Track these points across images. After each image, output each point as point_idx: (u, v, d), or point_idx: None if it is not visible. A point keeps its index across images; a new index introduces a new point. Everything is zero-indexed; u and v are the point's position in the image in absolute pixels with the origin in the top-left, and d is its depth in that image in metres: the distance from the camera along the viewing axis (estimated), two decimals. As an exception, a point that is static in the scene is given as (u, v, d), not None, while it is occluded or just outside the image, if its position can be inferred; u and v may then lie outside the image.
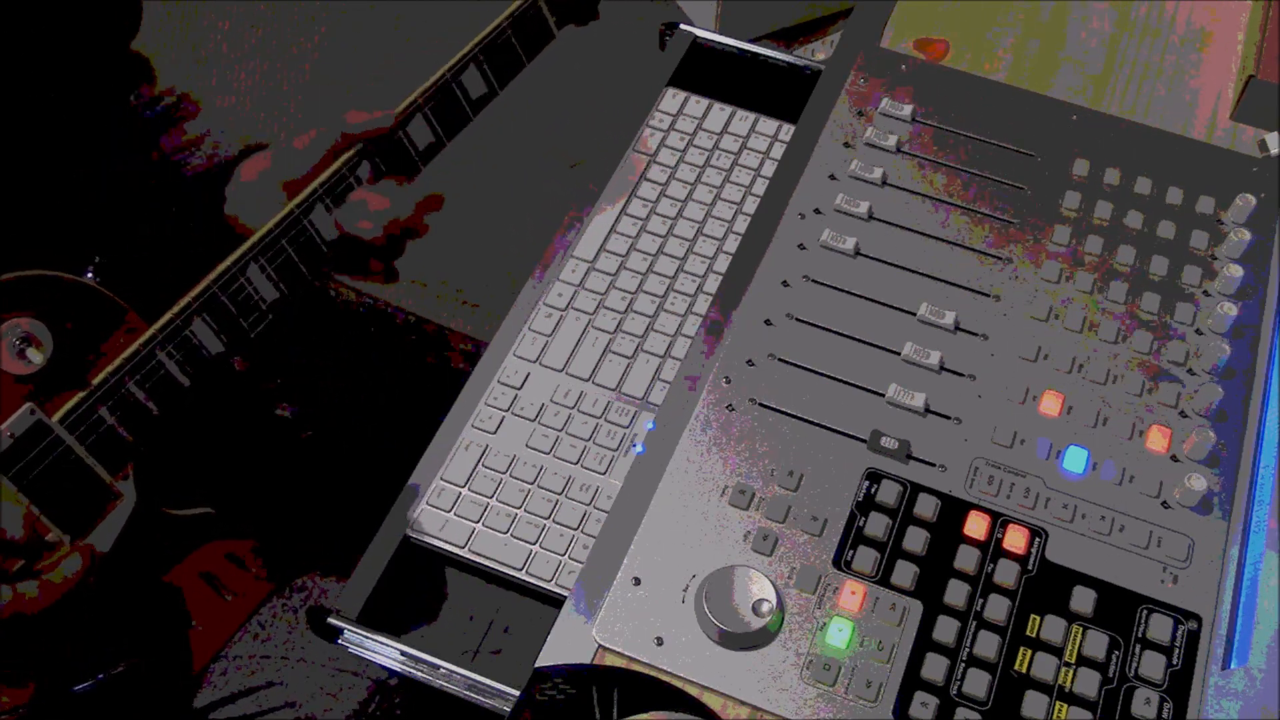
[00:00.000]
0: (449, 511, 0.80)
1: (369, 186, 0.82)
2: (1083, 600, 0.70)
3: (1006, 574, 0.71)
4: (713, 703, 0.67)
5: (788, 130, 0.99)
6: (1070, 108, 0.92)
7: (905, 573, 0.70)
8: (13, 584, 0.66)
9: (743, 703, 0.67)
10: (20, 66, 0.80)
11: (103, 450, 0.71)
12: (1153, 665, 0.68)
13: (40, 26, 0.82)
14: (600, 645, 0.69)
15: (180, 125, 0.87)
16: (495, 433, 0.84)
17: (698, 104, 1.01)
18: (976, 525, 0.72)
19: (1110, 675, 0.68)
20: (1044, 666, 0.68)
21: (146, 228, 0.89)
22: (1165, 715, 0.67)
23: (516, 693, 0.73)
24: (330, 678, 0.86)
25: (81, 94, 0.86)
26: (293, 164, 0.82)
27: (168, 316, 0.73)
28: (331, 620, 0.77)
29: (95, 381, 0.70)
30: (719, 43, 1.06)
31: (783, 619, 0.69)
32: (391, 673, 0.82)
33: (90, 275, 0.77)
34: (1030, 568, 0.71)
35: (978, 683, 0.67)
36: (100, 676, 0.78)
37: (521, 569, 0.79)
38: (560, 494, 0.81)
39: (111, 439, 0.71)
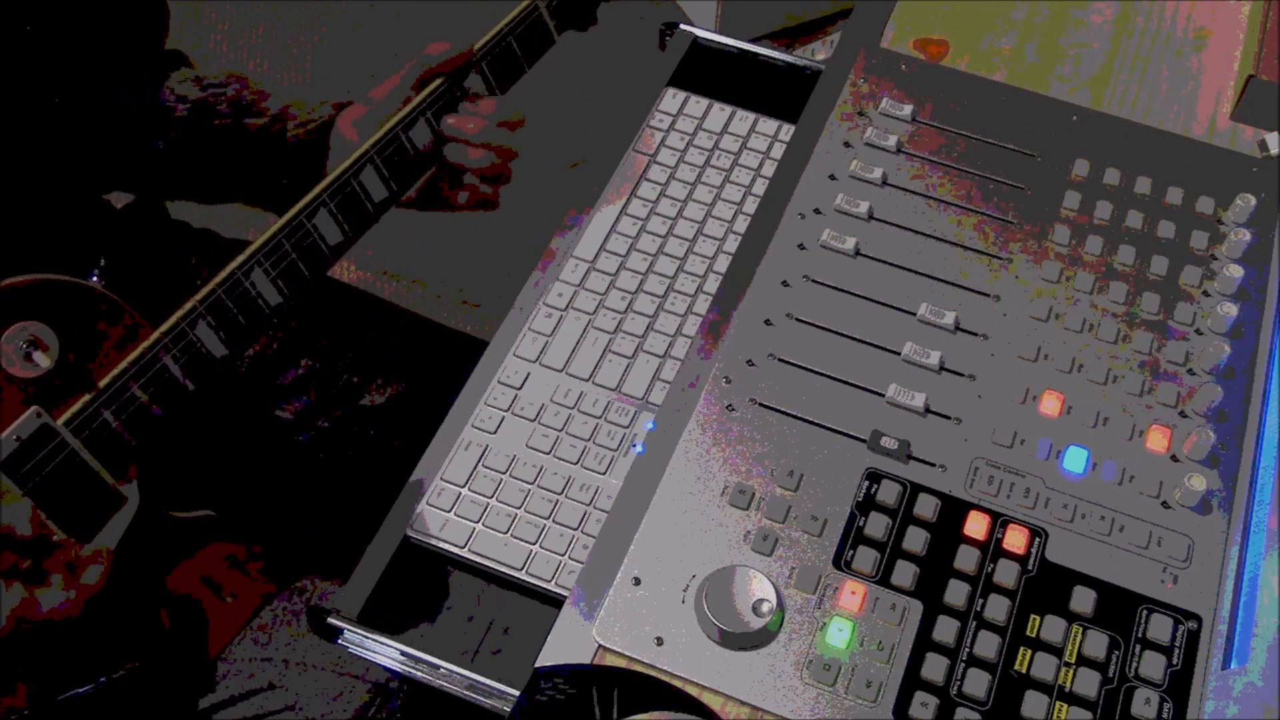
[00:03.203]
0: (449, 511, 0.80)
1: (467, 106, 0.88)
2: (1083, 600, 0.70)
3: (1006, 574, 0.71)
4: (713, 702, 0.67)
5: (788, 130, 0.99)
6: (1070, 108, 0.92)
7: (905, 573, 0.70)
8: (30, 586, 0.66)
9: (743, 703, 0.67)
10: (29, 66, 0.81)
11: (107, 453, 0.71)
12: (1153, 665, 0.68)
13: (58, 24, 0.82)
14: (600, 645, 0.69)
15: (255, 104, 0.89)
16: (495, 433, 0.84)
17: (698, 104, 1.01)
18: (976, 525, 0.72)
19: (1110, 675, 0.68)
20: (1044, 666, 0.68)
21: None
22: (1165, 715, 0.67)
23: (516, 693, 0.73)
24: (331, 680, 0.86)
25: (104, 88, 0.87)
26: (382, 109, 0.86)
27: (173, 320, 0.73)
28: (331, 620, 0.77)
29: (101, 385, 0.70)
30: (719, 43, 1.06)
31: (783, 619, 0.69)
32: (392, 674, 0.82)
33: (95, 279, 0.77)
34: (1030, 568, 0.71)
35: (978, 683, 0.67)
36: (101, 680, 0.78)
37: (521, 569, 0.78)
38: (560, 494, 0.81)
39: (116, 442, 0.71)
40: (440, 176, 0.89)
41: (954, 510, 0.73)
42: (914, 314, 0.81)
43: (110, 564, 0.68)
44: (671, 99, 1.01)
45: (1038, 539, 0.72)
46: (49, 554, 0.68)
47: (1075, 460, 0.75)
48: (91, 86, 0.86)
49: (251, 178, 0.91)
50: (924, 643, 0.68)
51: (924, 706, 0.66)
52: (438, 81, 0.86)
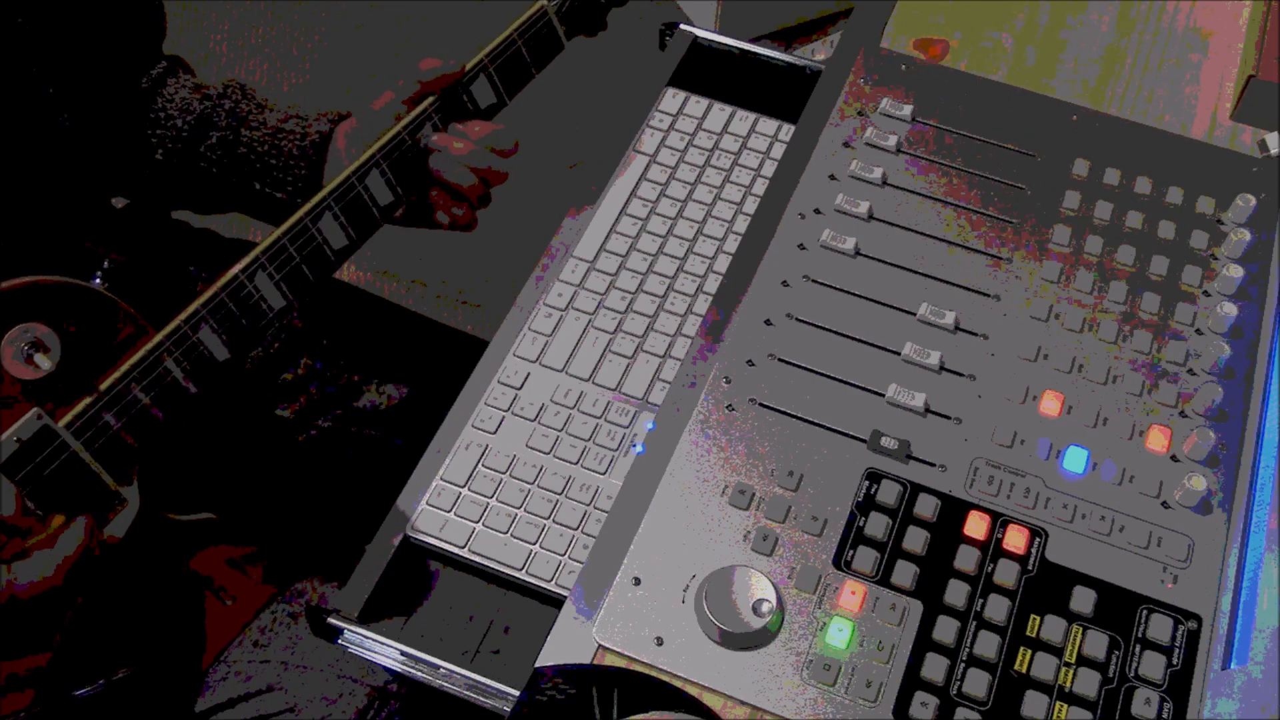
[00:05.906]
0: (449, 511, 0.80)
1: (454, 129, 0.87)
2: (1083, 600, 0.70)
3: (1006, 574, 0.71)
4: (712, 703, 0.67)
5: (788, 130, 0.99)
6: (1070, 108, 0.92)
7: (905, 573, 0.70)
8: (9, 564, 0.66)
9: (743, 703, 0.67)
10: (33, 70, 0.81)
11: (108, 456, 0.71)
12: (1153, 665, 0.68)
13: (56, 30, 0.82)
14: (600, 645, 0.69)
15: (252, 117, 0.90)
16: (495, 433, 0.84)
17: (698, 104, 1.01)
18: (976, 525, 0.72)
19: (1110, 675, 0.68)
20: (1044, 666, 0.68)
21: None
22: (1165, 715, 0.67)
23: (516, 693, 0.73)
24: (330, 683, 0.86)
25: (103, 93, 0.86)
26: (375, 125, 0.86)
27: (175, 323, 0.73)
28: (331, 620, 0.77)
29: (102, 387, 0.70)
30: (719, 43, 1.06)
31: (783, 619, 0.69)
32: (391, 675, 0.82)
33: (98, 281, 0.77)
34: (1030, 568, 0.71)
35: (978, 683, 0.67)
36: (101, 682, 0.78)
37: (521, 569, 0.78)
38: (560, 494, 0.81)
39: (117, 444, 0.71)
40: (426, 194, 0.89)
41: (954, 510, 0.73)
42: (914, 314, 0.81)
43: (90, 533, 0.68)
44: (671, 99, 1.01)
45: (1038, 539, 0.72)
46: (26, 532, 0.67)
47: (1075, 460, 0.75)
48: (88, 87, 0.85)
49: (248, 192, 0.90)
50: (924, 643, 0.69)
51: (924, 706, 0.66)
52: (430, 99, 0.85)
